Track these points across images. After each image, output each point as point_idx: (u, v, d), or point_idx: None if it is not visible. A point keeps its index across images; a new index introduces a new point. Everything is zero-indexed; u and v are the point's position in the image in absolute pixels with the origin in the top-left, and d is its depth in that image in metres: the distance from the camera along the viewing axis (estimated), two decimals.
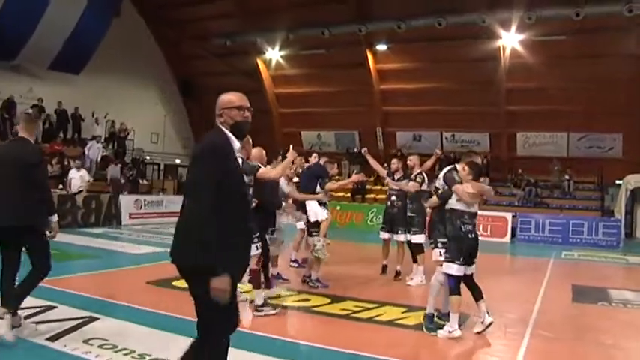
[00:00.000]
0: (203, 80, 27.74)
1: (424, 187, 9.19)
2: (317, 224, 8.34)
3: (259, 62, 26.30)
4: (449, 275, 6.03)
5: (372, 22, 21.69)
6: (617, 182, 20.56)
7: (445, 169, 6.41)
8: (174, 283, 8.24)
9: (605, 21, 18.77)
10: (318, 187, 8.35)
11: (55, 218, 5.46)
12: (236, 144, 3.50)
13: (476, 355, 5.69)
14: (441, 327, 6.10)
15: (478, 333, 6.09)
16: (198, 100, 28.25)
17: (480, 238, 6.18)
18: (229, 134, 3.47)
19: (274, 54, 24.97)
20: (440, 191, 6.28)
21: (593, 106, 20.69)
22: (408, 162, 9.45)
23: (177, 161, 28.64)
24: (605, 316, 7.57)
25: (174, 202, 20.54)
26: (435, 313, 6.38)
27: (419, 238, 9.14)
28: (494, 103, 22.65)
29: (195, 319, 3.37)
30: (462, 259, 5.99)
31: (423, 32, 21.26)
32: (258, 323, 6.30)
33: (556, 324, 6.85)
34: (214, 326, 3.37)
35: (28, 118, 5.72)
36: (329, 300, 7.52)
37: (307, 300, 7.55)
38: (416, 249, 9.25)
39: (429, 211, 7.23)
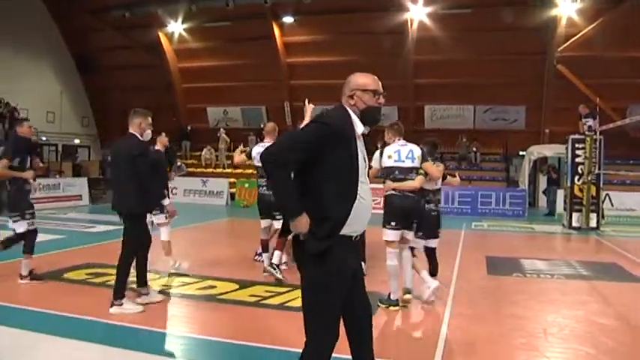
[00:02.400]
0: (102, 55, 26.31)
1: None
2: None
3: (161, 35, 24.95)
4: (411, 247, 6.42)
5: None
6: (521, 153, 21.09)
7: (419, 147, 6.32)
8: (66, 275, 7.42)
9: None
10: None
11: (165, 202, 7.16)
12: (359, 128, 3.21)
13: (398, 338, 5.29)
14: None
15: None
16: (98, 76, 26.72)
17: None
18: (354, 117, 3.23)
19: (177, 27, 23.86)
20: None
21: (498, 79, 20.97)
22: None
23: (77, 141, 27.01)
24: (520, 288, 7.43)
25: (72, 185, 19.37)
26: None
27: None
28: (402, 76, 22.53)
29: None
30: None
31: (330, 4, 20.96)
32: (153, 317, 5.66)
33: (474, 300, 6.61)
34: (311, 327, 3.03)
35: (130, 114, 6.00)
36: (237, 286, 6.97)
37: (213, 287, 6.95)
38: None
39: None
